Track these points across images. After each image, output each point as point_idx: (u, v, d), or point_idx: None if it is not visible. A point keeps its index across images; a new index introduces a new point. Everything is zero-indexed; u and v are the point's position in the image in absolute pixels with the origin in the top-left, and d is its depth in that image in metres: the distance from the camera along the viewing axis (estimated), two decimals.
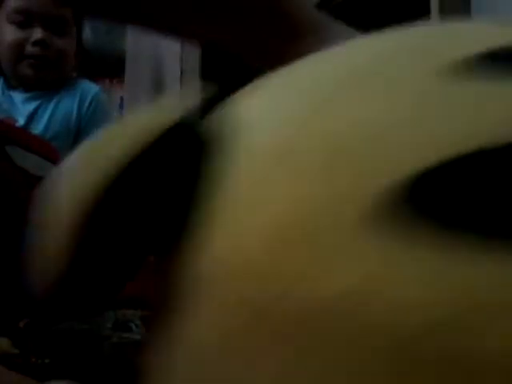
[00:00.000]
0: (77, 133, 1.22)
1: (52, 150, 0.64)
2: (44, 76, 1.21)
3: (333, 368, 0.15)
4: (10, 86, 1.23)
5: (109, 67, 2.07)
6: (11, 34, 1.20)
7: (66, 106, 1.22)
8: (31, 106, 1.20)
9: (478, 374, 0.14)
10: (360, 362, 0.15)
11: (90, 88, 1.28)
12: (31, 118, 1.19)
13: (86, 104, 1.24)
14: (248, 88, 0.22)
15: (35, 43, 1.19)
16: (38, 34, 1.19)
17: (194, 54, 1.42)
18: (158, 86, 1.59)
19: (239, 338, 0.17)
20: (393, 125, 0.17)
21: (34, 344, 0.39)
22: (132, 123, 0.21)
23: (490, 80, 0.17)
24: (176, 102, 0.22)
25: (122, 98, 1.97)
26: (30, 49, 1.19)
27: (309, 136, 0.18)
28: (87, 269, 0.20)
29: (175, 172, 0.20)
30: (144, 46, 1.66)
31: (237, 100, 0.22)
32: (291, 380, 0.16)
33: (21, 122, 1.18)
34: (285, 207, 0.17)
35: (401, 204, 0.15)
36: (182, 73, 1.44)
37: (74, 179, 0.20)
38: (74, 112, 1.22)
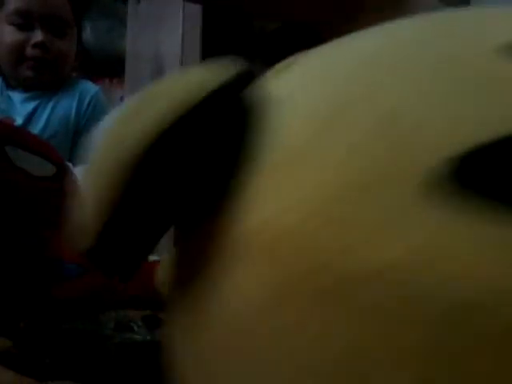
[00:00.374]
0: (75, 132, 1.21)
1: (52, 150, 0.64)
2: (44, 77, 1.21)
3: (377, 339, 0.15)
4: (9, 86, 1.23)
5: (109, 67, 2.07)
6: (11, 35, 1.20)
7: (64, 105, 1.22)
8: (30, 105, 1.20)
9: None
10: (406, 335, 0.15)
11: (90, 88, 1.27)
12: (29, 117, 1.19)
13: (85, 104, 1.23)
14: (289, 61, 0.22)
15: (35, 45, 1.18)
16: (38, 36, 1.19)
17: (194, 53, 1.42)
18: None
19: (278, 300, 0.17)
20: (445, 100, 0.17)
21: (34, 344, 0.39)
22: (183, 80, 0.20)
23: None
24: (223, 68, 0.21)
25: (122, 98, 1.97)
26: (30, 51, 1.19)
27: (359, 106, 0.17)
28: (125, 225, 0.20)
29: (222, 132, 0.19)
30: (144, 46, 1.66)
31: (279, 70, 0.21)
32: (333, 340, 0.16)
33: (19, 121, 1.18)
34: (338, 171, 0.17)
35: (453, 178, 0.15)
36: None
37: (123, 129, 0.20)
38: (73, 111, 1.22)
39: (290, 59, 0.22)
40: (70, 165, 0.81)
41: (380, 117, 0.17)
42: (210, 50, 1.41)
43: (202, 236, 0.20)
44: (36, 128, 1.15)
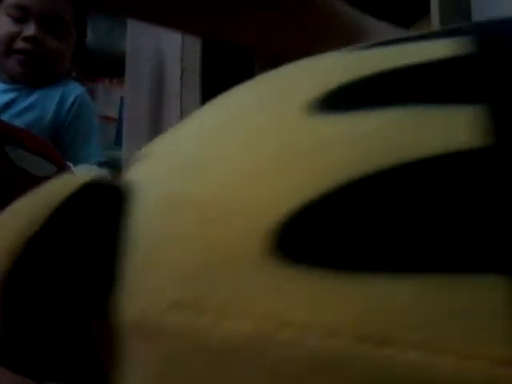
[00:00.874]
0: (56, 130, 1.19)
1: (52, 150, 0.64)
2: (31, 73, 1.19)
3: None
4: None
5: (109, 67, 2.07)
6: (5, 26, 1.18)
7: (43, 102, 1.19)
8: (8, 96, 1.18)
9: None
10: None
11: (74, 88, 1.24)
12: (5, 108, 1.17)
13: (69, 102, 1.20)
14: (144, 150, 0.23)
15: (26, 39, 1.16)
16: (30, 30, 1.17)
17: (194, 53, 1.42)
18: (158, 86, 1.59)
19: (174, 376, 0.18)
20: (260, 169, 0.18)
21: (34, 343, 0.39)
22: (40, 192, 0.21)
23: (340, 117, 0.18)
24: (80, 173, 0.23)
25: (121, 98, 1.97)
26: (19, 44, 1.17)
27: (191, 187, 0.19)
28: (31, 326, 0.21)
29: (92, 232, 0.20)
30: (144, 46, 1.66)
31: (135, 164, 0.23)
32: None
33: None
34: (182, 253, 0.18)
35: (277, 247, 0.17)
36: (182, 73, 1.44)
37: None
38: (52, 109, 1.19)
39: (149, 145, 0.24)
40: (69, 165, 0.81)
41: (199, 203, 0.19)
42: (209, 50, 1.41)
43: (102, 324, 0.21)
44: (6, 118, 1.12)
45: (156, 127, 1.51)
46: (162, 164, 0.22)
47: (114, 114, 2.10)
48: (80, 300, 0.20)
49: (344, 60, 0.22)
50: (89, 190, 0.21)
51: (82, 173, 0.22)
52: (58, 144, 1.14)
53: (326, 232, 0.16)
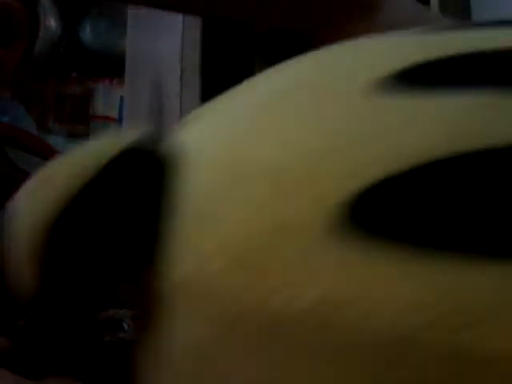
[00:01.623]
0: None
1: (52, 151, 0.64)
2: None
3: (308, 378, 0.16)
4: None
5: (109, 67, 2.07)
6: None
7: None
8: None
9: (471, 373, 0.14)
10: (336, 370, 0.15)
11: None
12: None
13: None
14: (193, 114, 0.23)
15: None
16: None
17: (194, 53, 1.42)
18: (158, 86, 1.59)
19: (214, 349, 0.17)
20: (329, 146, 0.17)
21: (30, 343, 0.39)
22: (85, 150, 0.21)
23: (409, 97, 0.17)
24: (129, 132, 0.22)
25: (121, 98, 1.97)
26: None
27: (253, 156, 0.18)
28: (60, 286, 0.20)
29: (138, 192, 0.20)
30: (144, 46, 1.66)
31: (184, 127, 0.22)
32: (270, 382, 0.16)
33: None
34: (248, 218, 0.17)
35: (350, 220, 0.16)
36: (182, 73, 1.44)
37: (34, 200, 0.20)
38: None
39: (197, 110, 0.23)
40: None
41: (269, 169, 0.18)
42: (210, 50, 1.41)
43: (140, 290, 0.20)
44: None
45: (156, 127, 1.51)
46: (219, 127, 0.21)
47: (114, 114, 2.10)
48: (123, 258, 0.20)
49: (408, 42, 0.21)
50: (139, 148, 0.20)
51: (133, 132, 0.21)
52: None
53: (406, 206, 0.15)
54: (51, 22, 2.00)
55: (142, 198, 0.20)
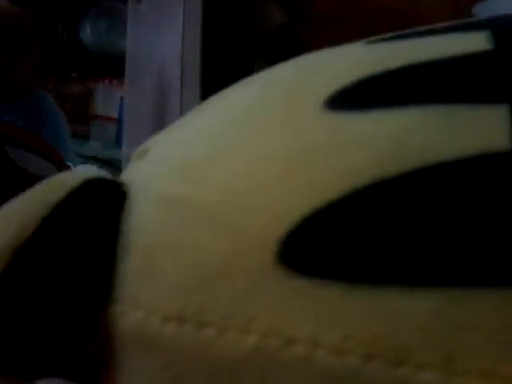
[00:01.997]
0: None
1: (52, 151, 0.64)
2: None
3: None
4: None
5: (109, 67, 2.07)
6: None
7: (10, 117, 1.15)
8: None
9: None
10: None
11: (38, 102, 1.22)
12: None
13: (36, 114, 1.18)
14: (149, 143, 0.22)
15: None
16: None
17: (194, 53, 1.42)
18: (158, 86, 1.59)
19: None
20: (271, 173, 0.17)
21: (20, 343, 0.39)
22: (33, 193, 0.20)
23: (350, 117, 0.17)
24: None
25: (121, 98, 1.97)
26: None
27: (196, 189, 0.18)
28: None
29: (96, 225, 0.19)
30: (144, 46, 1.66)
31: (138, 156, 0.22)
32: None
33: None
34: (187, 262, 0.17)
35: (284, 258, 0.15)
36: (182, 73, 1.44)
37: None
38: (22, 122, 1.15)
39: (147, 143, 0.23)
40: (70, 165, 0.81)
41: (212, 200, 0.17)
42: (210, 50, 1.41)
43: (99, 333, 0.20)
44: None
45: (156, 127, 1.51)
46: (163, 162, 0.20)
47: (113, 114, 2.10)
48: (76, 304, 0.19)
49: (362, 54, 0.20)
50: (88, 188, 0.20)
51: (81, 172, 0.21)
52: None
53: (335, 241, 0.15)
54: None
55: (98, 234, 0.19)
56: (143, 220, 0.19)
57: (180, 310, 0.17)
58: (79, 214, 0.19)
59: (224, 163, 0.18)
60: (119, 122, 2.02)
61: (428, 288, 0.14)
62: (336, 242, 0.15)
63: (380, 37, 0.21)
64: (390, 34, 0.21)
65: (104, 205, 0.20)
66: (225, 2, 1.41)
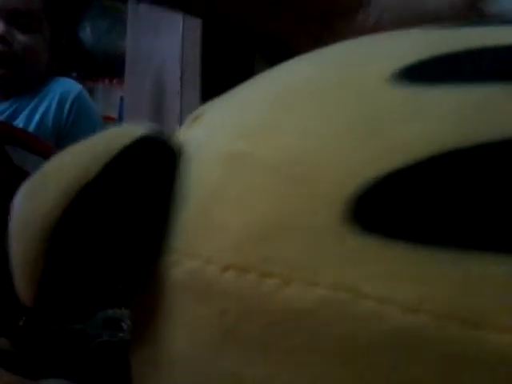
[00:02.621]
0: (58, 138, 1.14)
1: (53, 151, 0.64)
2: (7, 74, 1.13)
3: (322, 372, 0.15)
4: None
5: (109, 67, 2.07)
6: None
7: (42, 110, 1.15)
8: (6, 112, 1.13)
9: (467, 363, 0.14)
10: (347, 367, 0.15)
11: (70, 90, 1.19)
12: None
13: (67, 108, 1.16)
14: (204, 108, 0.22)
15: None
16: None
17: (194, 54, 1.42)
18: (158, 86, 1.59)
19: (216, 349, 0.17)
20: (339, 136, 0.17)
21: (29, 343, 0.39)
22: (93, 143, 0.20)
23: (422, 90, 0.17)
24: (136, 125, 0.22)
25: (121, 98, 1.97)
26: None
27: (259, 148, 0.18)
28: (65, 280, 0.20)
29: (148, 183, 0.19)
30: (144, 46, 1.66)
31: (194, 122, 0.22)
32: (281, 381, 0.16)
33: None
34: (253, 211, 0.17)
35: (355, 215, 0.16)
36: (182, 73, 1.44)
37: (37, 198, 0.19)
38: (51, 117, 1.15)
39: (201, 109, 0.23)
40: None
41: (280, 157, 0.17)
42: (210, 50, 1.41)
43: (147, 283, 0.20)
44: None
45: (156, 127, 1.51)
46: (223, 124, 0.20)
47: (113, 114, 2.10)
48: (129, 253, 0.19)
49: (423, 37, 0.20)
50: (150, 140, 0.20)
51: (143, 126, 0.21)
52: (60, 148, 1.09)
53: (409, 203, 0.15)
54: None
55: (151, 191, 0.19)
56: (202, 173, 0.19)
57: (242, 259, 0.17)
58: (138, 164, 0.19)
59: (289, 127, 0.18)
60: (119, 121, 2.02)
61: (506, 253, 0.14)
62: (408, 204, 0.15)
63: (439, 24, 0.21)
64: (449, 22, 0.21)
65: (161, 158, 0.20)
66: None
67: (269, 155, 0.18)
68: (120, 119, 2.02)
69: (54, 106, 1.16)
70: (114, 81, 2.09)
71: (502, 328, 0.14)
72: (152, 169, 0.20)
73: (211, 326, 0.17)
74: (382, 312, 0.14)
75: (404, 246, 0.15)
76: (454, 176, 0.15)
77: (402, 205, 0.15)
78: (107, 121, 2.08)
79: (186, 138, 0.21)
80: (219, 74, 1.32)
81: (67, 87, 1.20)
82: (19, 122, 1.13)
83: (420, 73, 0.18)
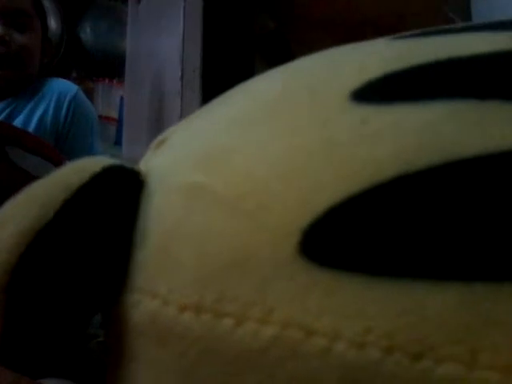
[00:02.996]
0: (57, 138, 1.14)
1: (52, 151, 0.64)
2: (7, 75, 1.13)
3: None
4: None
5: (109, 67, 2.07)
6: None
7: (40, 111, 1.14)
8: (4, 112, 1.12)
9: None
10: None
11: (67, 90, 1.19)
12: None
13: (64, 109, 1.16)
14: (168, 132, 0.22)
15: None
16: None
17: (194, 54, 1.42)
18: (158, 86, 1.59)
19: (189, 381, 0.17)
20: (294, 162, 0.17)
21: (24, 342, 0.39)
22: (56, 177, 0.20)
23: (383, 109, 0.17)
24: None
25: (121, 98, 1.97)
26: None
27: (218, 179, 0.18)
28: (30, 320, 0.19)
29: (109, 219, 0.19)
30: (144, 46, 1.66)
31: (156, 146, 0.22)
32: None
33: None
34: (207, 251, 0.17)
35: (306, 249, 0.15)
36: (182, 73, 1.44)
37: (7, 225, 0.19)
38: (49, 118, 1.14)
39: (165, 133, 0.22)
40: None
41: (233, 191, 0.17)
42: (210, 50, 1.41)
43: (111, 322, 0.20)
44: None
45: (156, 127, 1.51)
46: (184, 151, 0.20)
47: (113, 113, 2.10)
48: (88, 295, 0.19)
49: (388, 49, 0.20)
50: (108, 174, 0.19)
51: (101, 159, 0.20)
52: (61, 152, 1.10)
53: (358, 234, 0.15)
54: (51, 22, 2.00)
55: (113, 226, 0.19)
56: (162, 208, 0.19)
57: (197, 299, 0.17)
58: (100, 199, 0.19)
59: (248, 153, 0.18)
60: (119, 121, 2.02)
61: (452, 282, 0.14)
62: (359, 234, 0.15)
63: (404, 34, 0.21)
64: (415, 31, 0.21)
65: (123, 192, 0.19)
66: (225, 2, 1.41)
67: (223, 188, 0.17)
68: (120, 119, 2.02)
69: (51, 107, 1.16)
70: (114, 81, 2.09)
71: (446, 358, 0.13)
72: (113, 203, 0.19)
73: (171, 369, 0.17)
74: (332, 348, 0.14)
75: (351, 278, 0.15)
76: (401, 203, 0.15)
77: (350, 235, 0.15)
78: (107, 121, 2.08)
79: (148, 168, 0.21)
80: (220, 75, 1.32)
81: (64, 88, 1.20)
82: (17, 123, 1.13)
83: (381, 90, 0.17)
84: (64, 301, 0.19)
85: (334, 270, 0.15)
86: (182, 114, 1.40)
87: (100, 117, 2.08)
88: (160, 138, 0.22)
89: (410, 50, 0.19)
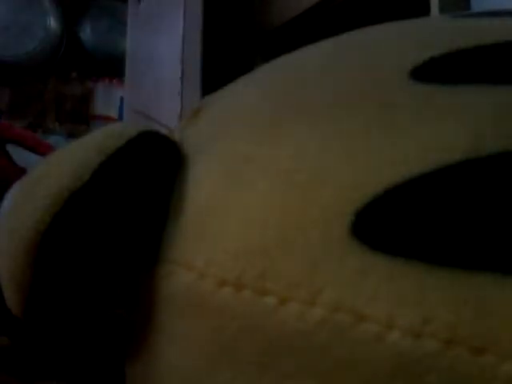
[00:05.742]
0: None
1: (52, 150, 0.64)
2: None
3: None
4: None
5: (109, 67, 2.07)
6: None
7: None
8: None
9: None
10: None
11: None
12: None
13: None
14: (206, 101, 0.21)
15: None
16: None
17: (194, 54, 1.42)
18: (158, 86, 1.59)
19: (225, 355, 0.16)
20: (351, 140, 0.16)
21: (30, 343, 0.39)
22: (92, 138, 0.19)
23: (444, 89, 0.16)
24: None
25: (121, 98, 1.97)
26: None
27: (261, 153, 0.17)
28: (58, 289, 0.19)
29: (143, 188, 0.18)
30: (144, 46, 1.66)
31: (192, 116, 0.21)
32: None
33: None
34: (251, 225, 0.16)
35: (357, 232, 0.14)
36: (182, 73, 1.44)
37: (46, 182, 0.18)
38: None
39: (200, 102, 0.22)
40: None
41: (282, 164, 0.16)
42: (210, 50, 1.41)
43: (140, 293, 0.19)
44: None
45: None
46: (225, 120, 0.19)
47: (113, 114, 2.10)
48: (117, 263, 0.18)
49: (450, 26, 0.19)
50: (144, 139, 0.19)
51: (136, 125, 0.19)
52: None
53: (419, 219, 0.14)
54: (51, 22, 2.00)
55: (147, 196, 0.18)
56: (203, 178, 0.18)
57: (238, 274, 0.16)
58: (135, 165, 0.18)
59: (299, 125, 0.17)
60: (119, 121, 2.02)
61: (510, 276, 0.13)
62: (419, 220, 0.14)
63: (467, 12, 0.20)
64: (478, 11, 0.20)
65: (159, 158, 0.19)
66: (225, 2, 1.41)
67: (271, 158, 0.16)
68: (120, 119, 2.02)
69: None
70: (114, 81, 2.09)
71: (511, 354, 0.13)
72: (149, 170, 0.18)
73: (207, 342, 0.16)
74: (383, 336, 0.14)
75: (409, 265, 0.14)
76: (469, 188, 0.14)
77: (409, 220, 0.14)
78: (107, 121, 2.08)
79: (184, 136, 0.20)
80: (220, 74, 1.32)
81: None
82: None
83: (445, 68, 0.16)
84: (92, 266, 0.18)
85: (389, 256, 0.14)
86: (182, 114, 1.39)
87: (100, 117, 2.08)
88: (194, 107, 0.21)
89: (475, 28, 0.18)
